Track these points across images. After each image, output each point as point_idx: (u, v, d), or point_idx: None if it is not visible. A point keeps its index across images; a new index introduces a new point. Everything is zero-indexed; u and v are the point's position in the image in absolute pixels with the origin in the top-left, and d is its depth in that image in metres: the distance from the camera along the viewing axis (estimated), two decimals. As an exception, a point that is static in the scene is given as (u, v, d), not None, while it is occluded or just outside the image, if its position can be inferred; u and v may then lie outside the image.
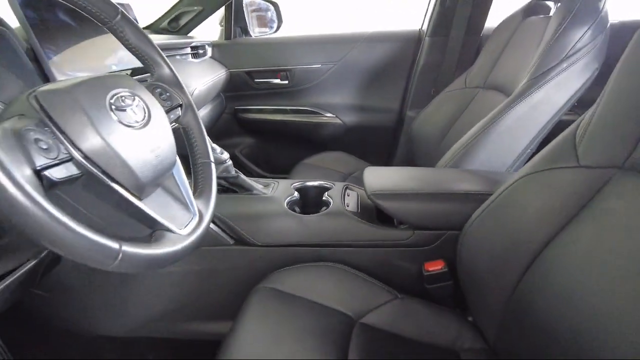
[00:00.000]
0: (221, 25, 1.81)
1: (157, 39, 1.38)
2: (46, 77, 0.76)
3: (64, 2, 0.57)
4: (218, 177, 0.98)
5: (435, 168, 1.14)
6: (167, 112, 0.66)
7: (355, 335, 0.77)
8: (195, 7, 1.58)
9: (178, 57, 1.47)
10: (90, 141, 0.47)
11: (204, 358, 0.69)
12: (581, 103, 1.05)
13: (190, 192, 0.65)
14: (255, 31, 1.86)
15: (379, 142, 1.75)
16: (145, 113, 0.56)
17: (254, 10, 1.87)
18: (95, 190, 0.49)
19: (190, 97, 0.73)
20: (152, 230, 0.54)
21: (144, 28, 1.11)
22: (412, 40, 1.65)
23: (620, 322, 0.49)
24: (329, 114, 1.75)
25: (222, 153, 0.99)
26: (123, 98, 0.54)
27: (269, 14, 1.94)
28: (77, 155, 0.46)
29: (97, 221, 0.52)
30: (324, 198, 1.02)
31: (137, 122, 0.54)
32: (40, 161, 0.42)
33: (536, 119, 1.05)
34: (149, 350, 1.06)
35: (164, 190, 0.62)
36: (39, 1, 0.76)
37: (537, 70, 1.04)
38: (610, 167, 0.62)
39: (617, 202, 0.59)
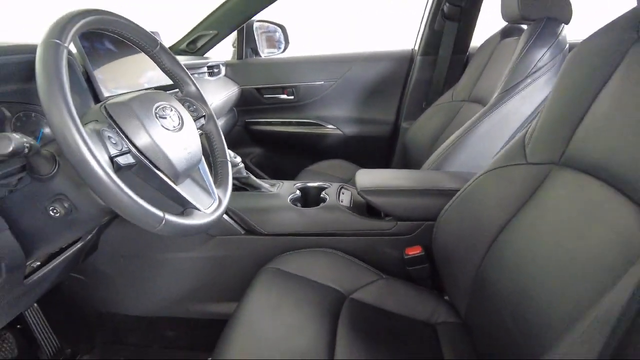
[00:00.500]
0: (234, 47, 2.00)
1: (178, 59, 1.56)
2: (95, 93, 0.94)
3: (119, 37, 0.76)
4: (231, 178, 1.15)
5: (417, 170, 1.30)
6: (195, 120, 0.84)
7: (345, 308, 0.91)
8: (211, 31, 1.77)
9: (196, 75, 1.66)
10: (143, 139, 0.65)
11: (216, 335, 0.83)
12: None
13: (212, 183, 0.82)
14: (265, 52, 2.05)
15: (376, 151, 1.91)
16: (179, 120, 0.74)
17: (263, 33, 2.06)
18: (144, 175, 0.67)
19: (211, 109, 0.91)
20: (184, 208, 0.71)
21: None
22: (405, 59, 1.83)
23: (554, 283, 0.62)
24: (330, 126, 1.92)
25: (235, 157, 1.16)
26: (164, 108, 0.72)
27: (277, 35, 2.14)
28: (133, 149, 0.64)
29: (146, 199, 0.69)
30: (321, 195, 1.19)
31: (174, 127, 0.71)
32: (112, 151, 0.59)
33: (507, 126, 1.20)
34: (169, 328, 1.22)
35: (192, 181, 0.79)
36: (91, 34, 0.95)
37: (506, 85, 1.20)
38: (549, 163, 0.77)
39: (553, 192, 0.74)
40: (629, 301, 0.42)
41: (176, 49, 1.80)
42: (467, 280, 0.85)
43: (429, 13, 1.71)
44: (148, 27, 0.82)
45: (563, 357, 0.50)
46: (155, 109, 0.70)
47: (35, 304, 1.17)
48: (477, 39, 1.73)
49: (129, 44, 0.82)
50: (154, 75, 1.20)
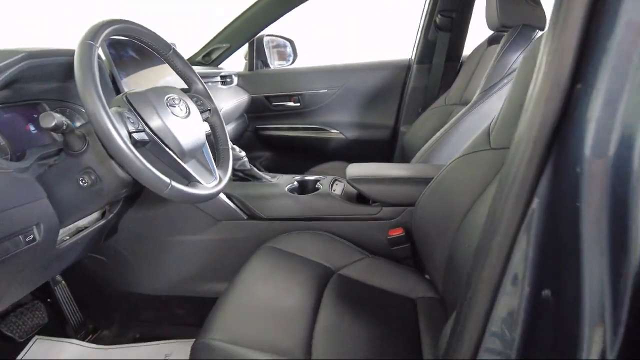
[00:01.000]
0: (245, 59, 2.17)
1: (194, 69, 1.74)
2: (119, 92, 1.11)
3: (139, 43, 0.91)
4: (236, 169, 1.30)
5: (403, 164, 1.41)
6: (201, 113, 0.98)
7: (332, 281, 1.02)
8: (224, 44, 1.95)
9: (209, 83, 1.82)
10: (155, 122, 0.80)
11: None
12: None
13: (214, 164, 0.96)
14: (275, 64, 2.22)
15: (376, 153, 2.03)
16: (187, 110, 0.88)
17: (273, 47, 2.23)
18: (156, 151, 0.81)
19: (216, 105, 1.05)
20: (189, 182, 0.85)
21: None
22: (403, 68, 1.96)
23: None
24: (334, 130, 2.05)
25: (240, 152, 1.31)
26: (173, 99, 0.87)
27: (286, 48, 2.31)
28: (147, 129, 0.79)
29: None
30: (316, 186, 1.32)
31: (182, 114, 0.86)
32: (130, 128, 0.74)
33: (485, 122, 1.30)
34: (179, 306, 1.35)
35: (198, 162, 0.93)
36: (117, 42, 1.12)
37: (484, 86, 1.31)
38: (506, 148, 0.88)
39: None
40: None
41: (193, 61, 1.97)
42: (442, 257, 0.95)
43: (423, 24, 1.85)
44: (168, 39, 0.98)
45: None
46: (166, 99, 0.85)
47: (63, 282, 1.32)
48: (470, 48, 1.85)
49: (149, 54, 0.98)
50: (170, 81, 1.36)
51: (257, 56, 2.13)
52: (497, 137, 0.91)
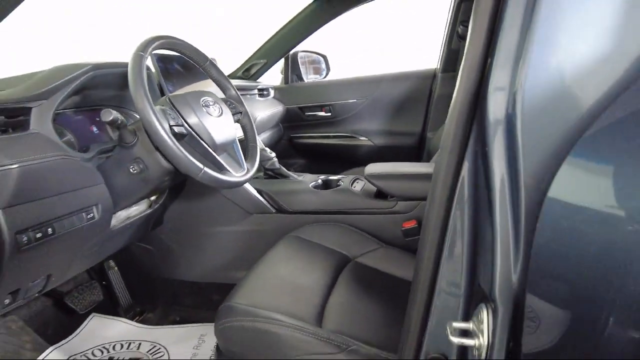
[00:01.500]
0: (282, 74, 2.35)
1: (234, 82, 1.92)
2: (166, 101, 1.28)
3: (180, 54, 1.08)
4: (266, 169, 1.44)
5: (418, 162, 1.48)
6: (233, 115, 1.13)
7: (348, 267, 1.12)
8: (262, 60, 2.13)
9: (248, 96, 2.00)
10: (192, 119, 0.95)
11: None
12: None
13: (243, 158, 1.10)
14: (309, 77, 2.38)
15: (404, 159, 2.10)
16: (220, 110, 1.03)
17: (307, 62, 2.39)
18: (193, 144, 0.96)
19: (247, 109, 1.20)
20: (220, 170, 0.99)
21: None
22: (429, 77, 2.04)
23: None
24: (363, 137, 2.16)
25: (270, 153, 1.45)
26: (208, 101, 1.02)
27: (320, 63, 2.47)
28: (185, 124, 0.94)
29: (193, 159, 0.99)
30: (338, 183, 1.43)
31: (216, 114, 1.01)
32: (171, 122, 0.90)
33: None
34: (215, 292, 1.49)
35: (229, 155, 1.08)
36: (165, 57, 1.31)
37: None
38: None
39: None
40: None
41: (234, 76, 2.17)
42: None
43: (446, 34, 1.93)
44: (209, 54, 1.15)
45: None
46: (202, 100, 1.01)
47: (116, 268, 1.51)
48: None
49: (193, 70, 1.15)
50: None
51: (292, 71, 2.29)
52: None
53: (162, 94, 1.26)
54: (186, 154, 0.87)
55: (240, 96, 1.20)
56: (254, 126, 1.21)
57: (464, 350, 0.51)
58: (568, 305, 0.38)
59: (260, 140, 1.71)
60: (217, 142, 1.00)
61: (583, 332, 0.37)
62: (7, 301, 0.92)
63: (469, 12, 0.50)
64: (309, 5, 1.93)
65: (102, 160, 1.03)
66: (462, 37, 1.84)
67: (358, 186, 1.41)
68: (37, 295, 1.01)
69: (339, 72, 2.49)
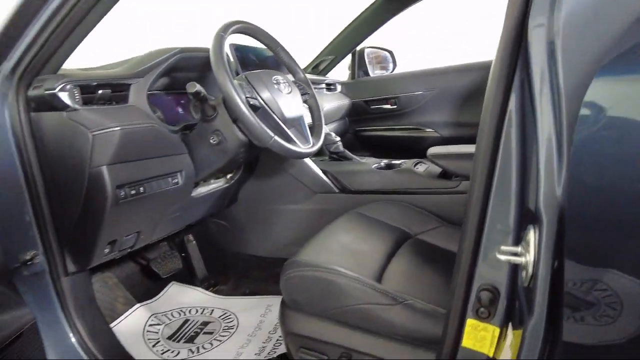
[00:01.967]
0: (349, 70, 2.42)
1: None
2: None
3: (255, 38, 1.19)
4: (331, 152, 1.51)
5: None
6: (301, 95, 1.22)
7: (408, 243, 1.14)
8: (330, 57, 2.22)
9: (316, 89, 2.09)
10: (265, 94, 1.05)
11: None
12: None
13: (309, 134, 1.18)
14: (375, 73, 2.42)
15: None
16: (290, 89, 1.12)
17: (373, 57, 2.44)
18: (264, 116, 1.05)
19: (313, 90, 1.28)
20: (288, 141, 1.07)
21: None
22: (498, 67, 2.00)
23: None
24: (429, 130, 2.16)
25: (335, 137, 1.52)
26: (279, 80, 1.11)
27: (386, 59, 2.50)
28: (259, 97, 1.04)
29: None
30: (400, 165, 1.45)
31: (285, 91, 1.10)
32: (247, 95, 1.00)
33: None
34: (280, 267, 1.57)
35: (296, 130, 1.16)
36: (243, 47, 1.44)
37: None
38: None
39: None
40: None
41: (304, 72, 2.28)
42: None
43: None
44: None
45: None
46: (273, 79, 1.10)
47: (194, 241, 1.65)
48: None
49: (268, 61, 1.26)
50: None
51: (358, 67, 2.35)
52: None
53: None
54: (259, 121, 0.97)
55: (307, 78, 1.29)
56: (320, 107, 1.29)
57: (514, 279, 0.53)
58: (605, 212, 0.40)
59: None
60: (286, 116, 1.08)
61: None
62: (106, 250, 1.07)
63: None
64: (375, 1, 1.99)
65: (186, 135, 1.16)
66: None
67: (421, 168, 1.42)
68: (129, 250, 1.16)
69: (404, 67, 2.51)
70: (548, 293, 0.43)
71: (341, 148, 1.52)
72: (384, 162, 1.51)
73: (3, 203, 0.94)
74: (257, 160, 1.49)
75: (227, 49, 1.14)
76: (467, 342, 0.58)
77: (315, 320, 0.89)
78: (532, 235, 0.45)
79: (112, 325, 1.28)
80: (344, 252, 1.00)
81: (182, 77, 1.24)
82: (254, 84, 1.06)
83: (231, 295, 1.60)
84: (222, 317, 1.45)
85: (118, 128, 0.93)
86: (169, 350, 1.28)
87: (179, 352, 1.27)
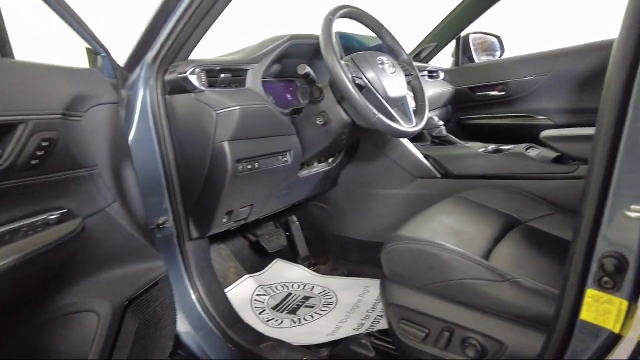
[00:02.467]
0: (452, 57, 2.34)
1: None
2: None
3: (361, 23, 1.22)
4: (433, 136, 1.49)
5: None
6: (405, 76, 1.22)
7: (518, 229, 1.07)
8: (432, 44, 2.18)
9: (417, 77, 2.07)
10: (369, 73, 1.08)
11: None
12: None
13: (412, 114, 1.18)
14: (481, 59, 2.31)
15: None
16: (394, 69, 1.14)
17: (479, 44, 2.33)
18: (369, 96, 1.08)
19: (417, 71, 1.27)
20: (391, 120, 1.09)
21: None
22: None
23: None
24: (541, 117, 1.99)
25: (438, 121, 1.50)
26: (383, 61, 1.13)
27: (493, 45, 2.37)
28: (364, 77, 1.07)
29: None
30: (509, 149, 1.38)
31: (390, 71, 1.12)
32: (352, 74, 1.04)
33: None
34: (378, 251, 1.59)
35: (399, 110, 1.17)
36: (345, 36, 1.48)
37: None
38: None
39: None
40: None
41: (403, 61, 2.26)
42: None
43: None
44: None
45: None
46: (378, 59, 1.13)
47: (297, 222, 1.75)
48: None
49: (368, 48, 1.30)
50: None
51: (463, 53, 2.26)
52: None
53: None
54: (364, 99, 1.00)
55: (411, 60, 1.29)
56: (423, 88, 1.28)
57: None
58: None
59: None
60: (389, 95, 1.10)
61: None
62: (224, 220, 1.19)
63: None
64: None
65: (294, 117, 1.24)
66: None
67: (533, 152, 1.33)
68: (242, 222, 1.28)
69: (512, 53, 2.35)
70: None
71: (444, 132, 1.49)
72: (491, 146, 1.44)
73: (145, 173, 1.10)
74: (358, 145, 1.53)
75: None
76: (586, 314, 0.55)
77: (417, 293, 0.90)
78: None
79: (224, 291, 1.42)
80: (447, 231, 0.98)
81: (291, 64, 1.32)
82: (359, 65, 1.09)
83: (330, 274, 1.66)
84: (321, 294, 1.51)
85: (238, 107, 1.03)
86: (273, 318, 1.38)
87: (282, 321, 1.36)
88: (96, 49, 0.93)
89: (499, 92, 2.11)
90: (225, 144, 1.04)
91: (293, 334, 1.26)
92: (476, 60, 2.28)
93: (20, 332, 0.73)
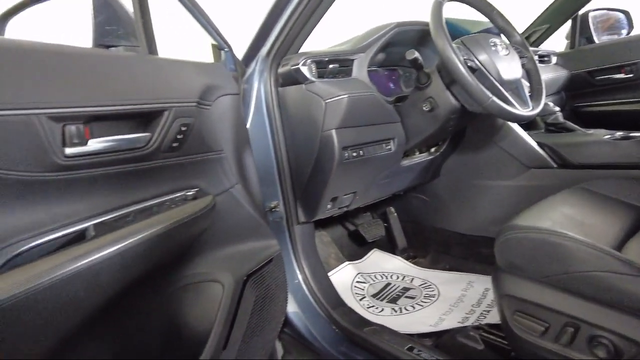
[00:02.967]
0: (567, 39, 2.14)
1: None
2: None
3: (472, 7, 1.17)
4: (548, 123, 1.38)
5: None
6: (519, 58, 1.15)
7: None
8: (543, 26, 2.01)
9: (526, 62, 1.92)
10: (482, 55, 1.04)
11: None
12: None
13: (528, 97, 1.11)
14: (602, 40, 2.07)
15: None
16: (507, 51, 1.08)
17: (601, 22, 2.09)
18: (481, 78, 1.04)
19: (532, 53, 1.19)
20: (506, 104, 1.03)
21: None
22: None
23: None
24: (679, 101, 1.74)
25: (554, 107, 1.38)
26: (496, 42, 1.08)
27: (618, 22, 2.11)
28: (476, 60, 1.03)
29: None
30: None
31: (503, 53, 1.06)
32: (465, 57, 1.00)
33: None
34: (484, 246, 1.52)
35: (514, 93, 1.10)
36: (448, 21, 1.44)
37: None
38: None
39: None
40: None
41: (510, 46, 2.12)
42: None
43: None
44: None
45: None
46: (490, 41, 1.07)
47: (395, 214, 1.74)
48: None
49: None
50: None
51: (580, 34, 2.06)
52: None
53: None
54: (477, 81, 0.96)
55: (525, 41, 1.21)
56: (539, 70, 1.19)
57: None
58: None
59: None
60: (503, 78, 1.05)
61: None
62: (328, 206, 1.23)
63: None
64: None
65: (398, 106, 1.23)
66: None
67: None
68: (345, 209, 1.31)
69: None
70: None
71: (561, 119, 1.37)
72: (618, 133, 1.30)
73: (259, 161, 1.18)
74: (464, 134, 1.47)
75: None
76: None
77: (535, 285, 0.84)
78: None
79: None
80: (569, 222, 0.91)
81: (395, 53, 1.32)
82: (471, 47, 1.05)
83: (430, 268, 1.63)
84: (422, 286, 1.49)
85: (346, 95, 1.06)
86: (373, 306, 1.39)
87: (383, 309, 1.37)
88: (220, 45, 1.02)
89: (626, 74, 1.88)
90: (333, 132, 1.08)
91: (394, 322, 1.26)
92: (596, 41, 2.05)
93: (155, 297, 0.84)
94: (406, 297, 1.44)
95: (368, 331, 1.14)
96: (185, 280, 0.86)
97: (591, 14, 2.04)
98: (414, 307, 1.36)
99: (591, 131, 1.34)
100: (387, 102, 1.21)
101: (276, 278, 1.05)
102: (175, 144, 0.78)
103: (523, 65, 1.19)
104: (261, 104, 1.15)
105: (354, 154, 1.13)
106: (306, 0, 1.03)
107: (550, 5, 1.96)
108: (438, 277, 1.54)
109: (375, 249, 1.72)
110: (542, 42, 2.07)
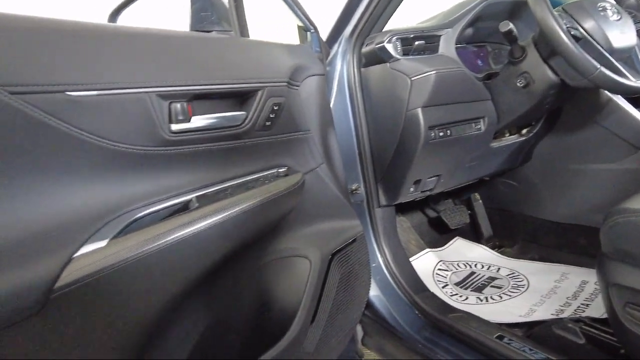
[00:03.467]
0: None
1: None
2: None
3: None
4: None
5: None
6: (634, 23, 1.03)
7: None
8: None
9: None
10: (588, 23, 0.94)
11: None
12: None
13: None
14: None
15: None
16: (619, 15, 0.97)
17: None
18: (586, 49, 0.94)
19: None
20: (617, 75, 0.93)
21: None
22: None
23: None
24: None
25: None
26: (605, 7, 0.97)
27: None
28: (580, 29, 0.93)
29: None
30: None
31: (614, 18, 0.96)
32: (567, 25, 0.91)
33: None
34: (582, 235, 1.39)
35: (624, 63, 0.99)
36: None
37: None
38: None
39: None
40: None
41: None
42: None
43: None
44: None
45: None
46: (598, 6, 0.97)
47: (480, 200, 1.66)
48: None
49: None
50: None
51: None
52: None
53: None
54: (580, 49, 0.88)
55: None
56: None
57: None
58: None
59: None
60: (614, 46, 0.94)
61: None
62: (411, 189, 1.20)
63: None
64: None
65: (488, 83, 1.16)
66: None
67: None
68: (428, 193, 1.27)
69: None
70: None
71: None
72: None
73: (341, 142, 1.18)
74: (560, 114, 1.35)
75: None
76: None
77: (654, 275, 0.76)
78: None
79: (408, 260, 1.45)
80: None
81: (484, 27, 1.25)
82: (574, 14, 0.96)
83: (518, 258, 1.53)
84: (509, 276, 1.41)
85: (433, 72, 1.02)
86: (457, 294, 1.34)
87: (467, 298, 1.31)
88: (307, 26, 1.03)
89: None
90: (419, 111, 1.04)
91: (480, 310, 1.21)
92: None
93: (248, 269, 0.88)
94: (492, 286, 1.37)
95: (453, 317, 1.10)
96: (275, 254, 0.89)
97: None
98: (500, 297, 1.29)
99: None
100: (478, 78, 1.14)
101: (360, 258, 1.05)
102: (268, 123, 0.81)
103: (638, 32, 1.06)
104: (343, 85, 1.15)
105: (441, 134, 1.09)
106: None
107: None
108: (527, 268, 1.44)
109: (458, 237, 1.66)
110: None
